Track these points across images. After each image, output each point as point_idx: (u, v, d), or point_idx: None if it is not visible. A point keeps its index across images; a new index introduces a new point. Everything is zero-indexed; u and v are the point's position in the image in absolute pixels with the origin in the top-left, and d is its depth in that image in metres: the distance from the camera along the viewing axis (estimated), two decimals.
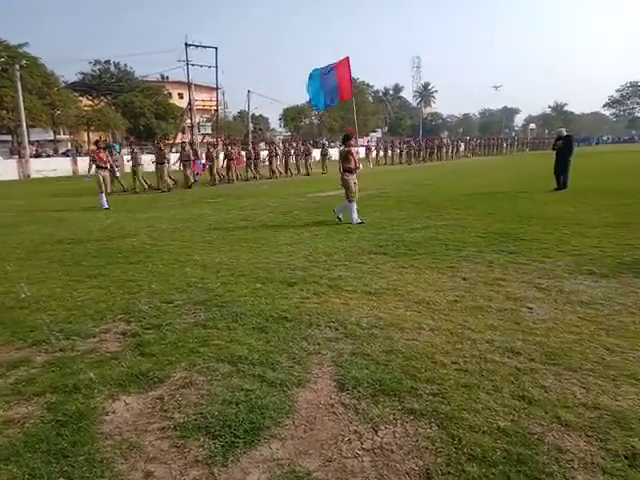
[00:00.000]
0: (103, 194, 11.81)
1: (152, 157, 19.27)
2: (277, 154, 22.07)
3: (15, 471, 2.09)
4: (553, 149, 13.25)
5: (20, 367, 3.12)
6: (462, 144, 43.37)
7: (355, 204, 8.38)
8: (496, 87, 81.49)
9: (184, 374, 2.95)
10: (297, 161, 23.41)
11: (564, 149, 12.58)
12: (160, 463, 2.14)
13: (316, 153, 27.69)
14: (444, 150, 36.49)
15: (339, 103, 10.21)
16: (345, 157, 8.51)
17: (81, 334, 3.62)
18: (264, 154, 22.93)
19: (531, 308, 3.88)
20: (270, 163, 21.73)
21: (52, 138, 41.66)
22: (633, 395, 2.54)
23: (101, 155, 12.28)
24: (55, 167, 28.47)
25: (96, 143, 13.33)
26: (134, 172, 16.65)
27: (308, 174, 22.69)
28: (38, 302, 4.39)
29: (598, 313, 3.73)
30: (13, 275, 5.40)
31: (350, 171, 8.45)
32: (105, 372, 3.00)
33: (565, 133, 13.37)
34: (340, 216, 8.52)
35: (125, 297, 4.48)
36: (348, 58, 9.56)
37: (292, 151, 23.40)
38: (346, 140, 8.73)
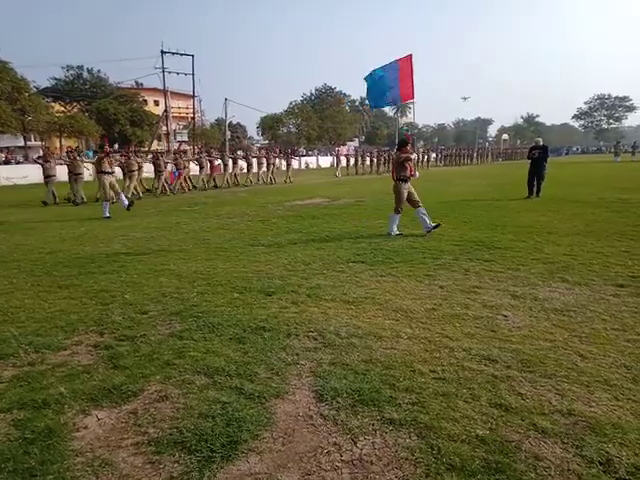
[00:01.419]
0: (108, 203, 11.28)
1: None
2: (251, 163, 21.93)
3: None
4: (529, 158, 13.63)
5: None
6: (433, 154, 43.86)
7: (399, 216, 7.95)
8: (464, 98, 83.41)
9: (159, 387, 2.88)
10: (270, 170, 22.84)
11: (540, 158, 13.01)
12: None
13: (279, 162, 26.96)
14: (414, 160, 36.85)
15: (401, 103, 9.57)
16: (402, 164, 7.97)
17: (51, 347, 3.50)
18: (242, 163, 22.70)
19: (507, 316, 3.94)
20: (247, 171, 21.64)
21: (22, 144, 40.57)
22: (606, 401, 2.59)
23: (107, 160, 11.89)
24: (26, 174, 27.68)
25: (101, 147, 12.73)
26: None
27: (272, 183, 22.23)
28: (6, 314, 4.23)
29: (571, 320, 3.81)
30: None
31: (405, 180, 7.95)
32: (76, 386, 2.90)
33: (542, 143, 13.83)
34: (397, 230, 7.91)
35: (98, 308, 4.36)
36: (411, 56, 8.74)
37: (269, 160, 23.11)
38: (403, 146, 8.17)
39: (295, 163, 26.88)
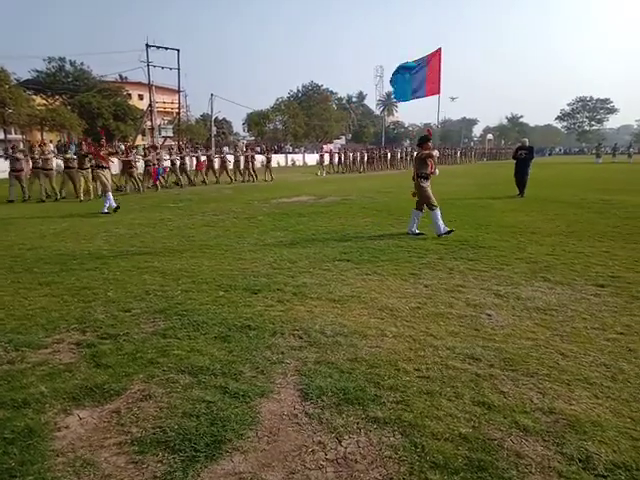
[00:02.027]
0: (110, 194, 11.14)
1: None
2: (238, 160, 21.75)
3: None
4: (514, 158, 13.87)
5: None
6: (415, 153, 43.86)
7: (439, 211, 7.60)
8: (453, 98, 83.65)
9: (142, 386, 2.85)
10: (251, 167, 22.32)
11: (526, 159, 13.29)
12: None
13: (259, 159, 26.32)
14: (398, 158, 36.21)
15: (425, 96, 8.96)
16: (423, 161, 7.67)
17: (32, 345, 3.44)
18: (229, 158, 22.45)
19: (490, 315, 3.99)
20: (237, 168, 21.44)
21: (2, 138, 39.70)
22: (586, 399, 2.64)
23: (100, 153, 11.68)
24: (5, 168, 27.08)
25: (98, 140, 12.47)
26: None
27: (254, 180, 21.90)
28: None
29: (553, 319, 3.87)
30: None
31: (427, 177, 7.65)
32: (58, 385, 2.85)
33: (528, 144, 14.10)
34: (443, 229, 7.52)
35: (80, 306, 4.29)
36: (440, 50, 8.46)
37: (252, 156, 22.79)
38: (424, 142, 7.84)
39: (276, 161, 26.14)
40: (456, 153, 48.78)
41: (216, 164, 21.43)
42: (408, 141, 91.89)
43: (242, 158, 22.30)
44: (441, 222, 7.53)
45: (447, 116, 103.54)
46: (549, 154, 78.65)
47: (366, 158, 32.53)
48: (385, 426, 2.40)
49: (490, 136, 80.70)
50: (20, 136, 42.99)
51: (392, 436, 2.32)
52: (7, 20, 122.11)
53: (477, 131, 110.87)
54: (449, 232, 7.47)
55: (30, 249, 6.86)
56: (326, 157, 30.79)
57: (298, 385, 2.84)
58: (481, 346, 3.34)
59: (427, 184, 7.66)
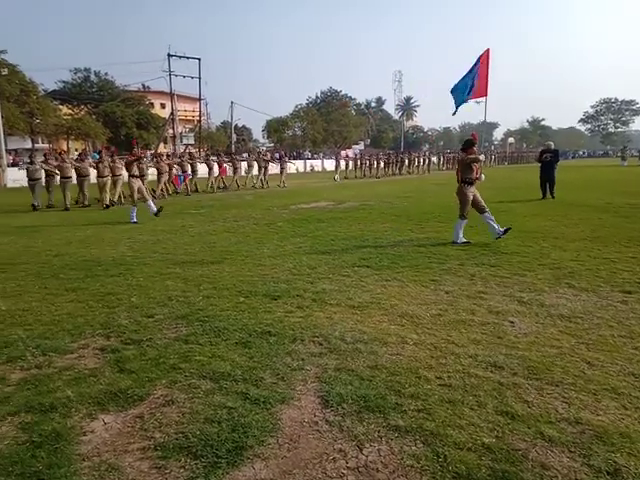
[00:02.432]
0: (135, 208, 10.87)
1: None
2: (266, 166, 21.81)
3: None
4: (539, 162, 13.83)
5: None
6: (434, 157, 43.03)
7: (465, 222, 7.42)
8: (478, 102, 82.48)
9: (165, 391, 2.89)
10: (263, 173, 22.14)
11: (552, 162, 13.27)
12: None
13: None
14: (415, 164, 35.48)
15: (470, 100, 8.59)
16: (468, 166, 7.40)
17: (58, 350, 3.52)
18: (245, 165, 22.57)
19: (513, 322, 3.92)
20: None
21: (30, 147, 40.90)
22: (614, 409, 2.57)
23: (137, 164, 11.70)
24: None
25: (131, 150, 12.76)
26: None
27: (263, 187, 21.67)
28: (13, 316, 4.27)
29: (578, 327, 3.79)
30: None
31: (471, 183, 7.37)
32: (83, 390, 2.91)
33: (553, 147, 14.05)
34: (463, 238, 7.36)
35: (104, 311, 4.38)
36: (488, 51, 8.13)
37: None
38: (469, 146, 7.55)
39: (290, 167, 25.83)
40: None
41: (229, 170, 21.53)
42: (427, 145, 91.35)
43: (255, 164, 22.32)
44: (462, 232, 7.40)
45: (466, 120, 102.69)
46: (572, 157, 77.15)
47: (382, 163, 32.25)
48: (406, 435, 2.38)
49: (511, 140, 79.65)
50: (47, 145, 44.27)
51: (414, 445, 2.30)
52: (33, 34, 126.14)
53: (498, 135, 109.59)
54: (466, 243, 7.30)
55: (56, 255, 7.03)
56: (342, 163, 30.55)
57: (318, 392, 2.84)
58: (504, 354, 3.29)
59: (471, 190, 7.40)
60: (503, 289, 4.86)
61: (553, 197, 13.39)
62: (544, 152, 13.96)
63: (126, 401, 2.79)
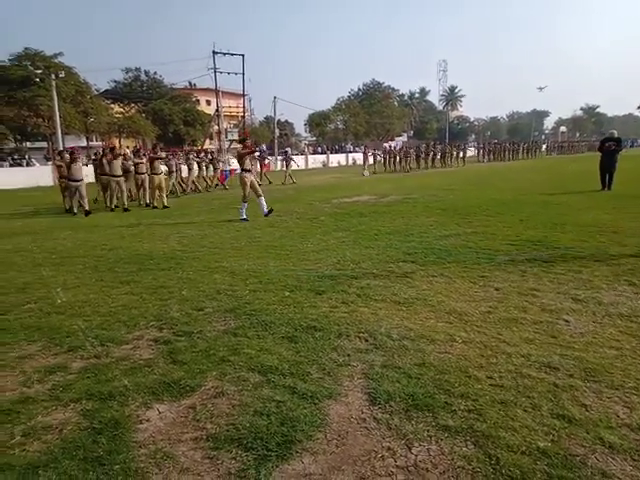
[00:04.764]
0: (246, 204, 10.27)
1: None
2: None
3: (54, 478, 2.13)
4: (600, 150, 13.22)
5: (57, 373, 3.19)
6: (471, 148, 40.47)
7: None
8: (541, 88, 77.70)
9: (215, 383, 2.97)
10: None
11: (614, 151, 12.71)
12: (194, 474, 2.15)
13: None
14: (450, 156, 33.46)
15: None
16: None
17: (115, 340, 3.69)
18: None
19: (568, 321, 3.76)
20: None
21: (85, 145, 42.94)
22: None
23: (249, 157, 10.66)
24: (87, 173, 29.24)
25: (243, 141, 11.33)
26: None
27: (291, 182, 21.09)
28: (73, 308, 4.50)
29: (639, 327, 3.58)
30: (49, 280, 5.55)
31: None
32: (139, 380, 3.04)
33: (616, 134, 13.43)
34: None
35: (157, 304, 4.55)
36: None
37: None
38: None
39: (295, 164, 24.56)
40: (519, 147, 43.21)
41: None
42: (473, 136, 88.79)
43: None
44: None
45: (515, 109, 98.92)
46: (630, 145, 72.76)
47: (414, 157, 30.74)
48: (457, 435, 2.33)
49: (563, 128, 76.07)
50: (100, 143, 46.30)
51: (464, 446, 2.25)
52: (84, 36, 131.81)
53: (549, 123, 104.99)
54: None
55: (111, 249, 7.36)
56: (370, 157, 29.80)
57: (365, 389, 2.83)
58: (559, 354, 3.16)
59: None
60: (557, 286, 4.66)
61: (610, 189, 12.77)
62: (606, 140, 13.27)
63: (179, 391, 2.88)
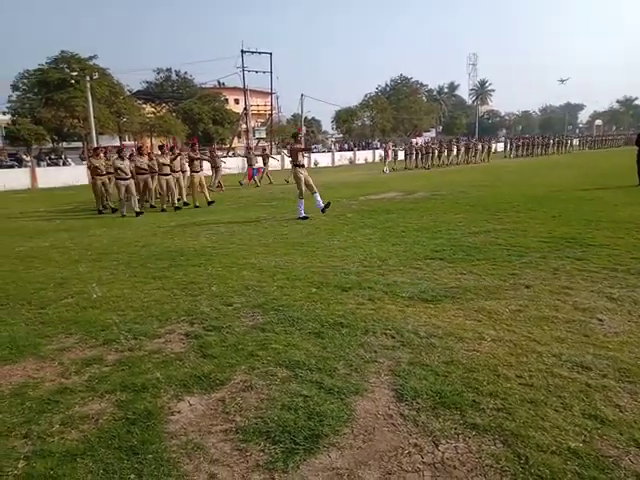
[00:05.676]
0: (302, 200, 9.89)
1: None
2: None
3: (91, 466, 2.23)
4: (637, 144, 12.82)
5: (93, 365, 3.31)
6: (498, 144, 38.73)
7: None
8: (562, 81, 75.76)
9: (244, 377, 3.03)
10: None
11: None
12: (223, 465, 2.20)
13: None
14: (472, 151, 31.74)
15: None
16: None
17: (148, 334, 3.80)
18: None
19: (602, 320, 3.66)
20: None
21: (118, 144, 44.11)
22: None
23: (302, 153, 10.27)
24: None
25: (294, 136, 11.09)
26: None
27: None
28: (108, 302, 4.66)
29: None
30: (86, 276, 5.75)
31: None
32: (170, 372, 3.13)
33: None
34: None
35: (188, 299, 4.65)
36: None
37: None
38: None
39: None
40: (549, 142, 40.69)
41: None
42: (504, 130, 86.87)
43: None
44: None
45: (548, 102, 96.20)
46: None
47: (436, 153, 29.85)
48: (485, 433, 2.31)
49: (598, 122, 73.53)
50: (133, 142, 47.48)
51: (493, 445, 2.23)
52: (117, 39, 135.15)
53: (583, 117, 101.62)
54: None
55: (144, 246, 7.56)
56: (390, 153, 29.25)
57: (392, 385, 2.84)
58: (592, 354, 3.09)
59: None
60: (590, 284, 4.53)
61: None
62: None
63: (209, 385, 2.96)
